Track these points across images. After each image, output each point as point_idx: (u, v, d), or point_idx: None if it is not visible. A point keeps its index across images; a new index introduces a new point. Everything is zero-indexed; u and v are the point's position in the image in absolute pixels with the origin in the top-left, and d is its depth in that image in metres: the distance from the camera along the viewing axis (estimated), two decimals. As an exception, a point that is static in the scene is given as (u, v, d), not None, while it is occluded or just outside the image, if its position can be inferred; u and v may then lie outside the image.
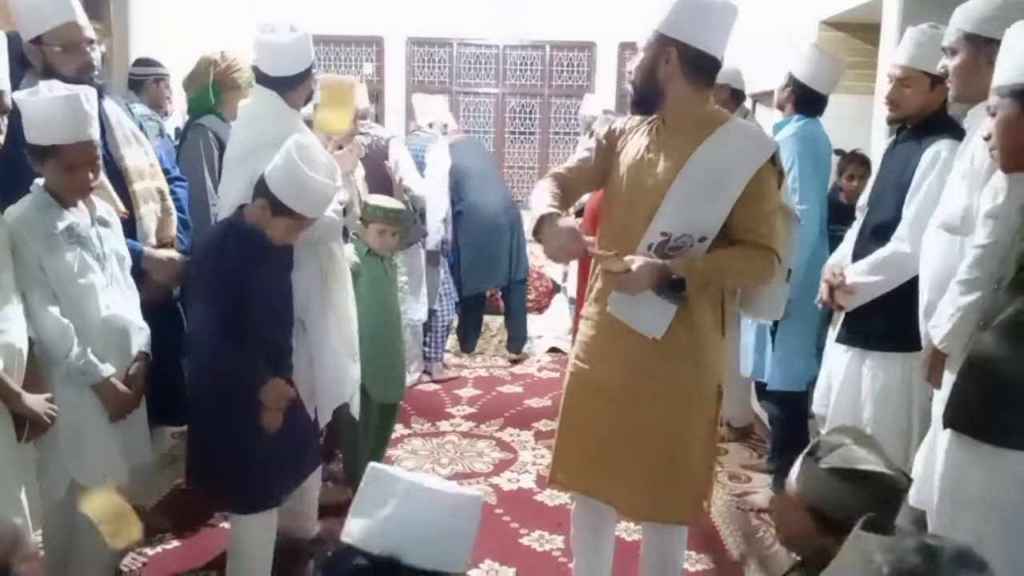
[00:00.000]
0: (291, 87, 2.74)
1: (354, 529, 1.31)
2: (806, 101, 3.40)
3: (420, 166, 4.65)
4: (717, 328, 2.24)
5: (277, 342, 2.51)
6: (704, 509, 2.35)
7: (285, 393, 2.43)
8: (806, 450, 1.69)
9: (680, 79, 2.14)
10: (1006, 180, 1.91)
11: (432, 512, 1.29)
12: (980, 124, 2.05)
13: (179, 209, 2.92)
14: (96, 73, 2.57)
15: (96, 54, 2.57)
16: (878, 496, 1.57)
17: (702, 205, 2.12)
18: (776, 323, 3.33)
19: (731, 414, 4.12)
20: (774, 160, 2.17)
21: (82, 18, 2.51)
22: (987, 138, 1.94)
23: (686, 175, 2.12)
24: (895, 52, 2.72)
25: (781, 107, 3.50)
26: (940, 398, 2.11)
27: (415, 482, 1.31)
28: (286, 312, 2.55)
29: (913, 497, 2.21)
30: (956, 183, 2.17)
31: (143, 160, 2.75)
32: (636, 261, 2.09)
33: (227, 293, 2.33)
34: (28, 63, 2.49)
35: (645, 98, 2.20)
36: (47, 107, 2.14)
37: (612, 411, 2.24)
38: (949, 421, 1.94)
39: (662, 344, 2.16)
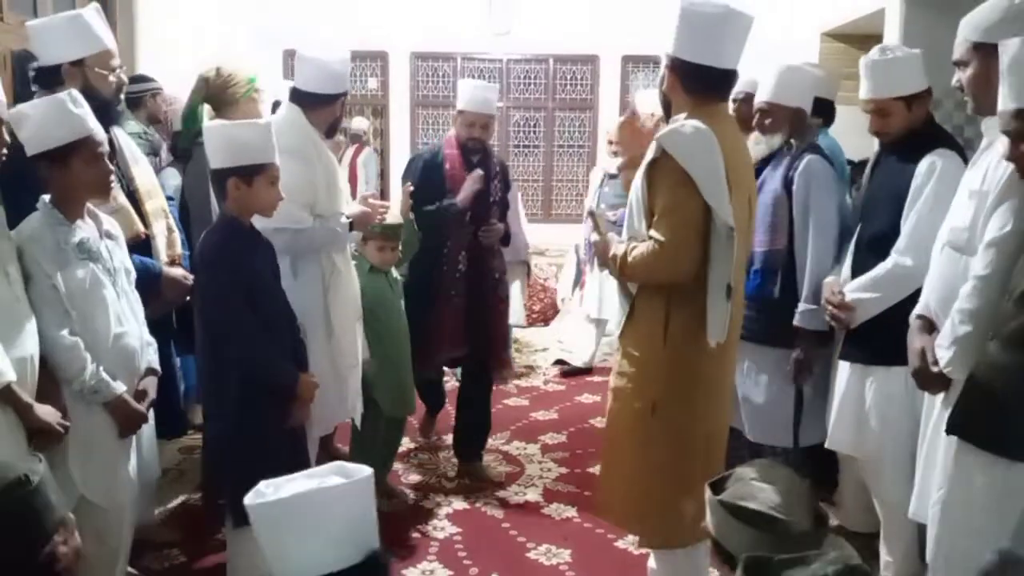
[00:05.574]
0: (315, 105, 2.82)
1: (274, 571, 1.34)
2: (826, 114, 3.24)
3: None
4: (658, 338, 2.26)
5: (293, 339, 2.54)
6: (648, 526, 2.37)
7: (315, 385, 2.51)
8: (716, 477, 1.64)
9: (678, 90, 2.28)
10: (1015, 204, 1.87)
11: (323, 514, 1.34)
12: (996, 138, 1.97)
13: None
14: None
15: (124, 78, 2.77)
16: (765, 537, 1.46)
17: (635, 208, 2.32)
18: None
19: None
20: (670, 155, 2.15)
21: (114, 46, 2.68)
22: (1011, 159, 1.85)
23: (634, 183, 2.32)
24: (860, 88, 2.64)
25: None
26: (938, 409, 2.10)
27: (289, 497, 1.34)
28: (288, 308, 2.56)
29: (911, 510, 2.20)
30: (964, 200, 2.10)
31: (148, 180, 2.83)
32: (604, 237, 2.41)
33: (238, 281, 2.36)
34: (50, 83, 2.53)
35: (664, 108, 2.41)
36: (46, 113, 2.16)
37: None
38: (953, 428, 1.91)
39: (621, 341, 2.38)
